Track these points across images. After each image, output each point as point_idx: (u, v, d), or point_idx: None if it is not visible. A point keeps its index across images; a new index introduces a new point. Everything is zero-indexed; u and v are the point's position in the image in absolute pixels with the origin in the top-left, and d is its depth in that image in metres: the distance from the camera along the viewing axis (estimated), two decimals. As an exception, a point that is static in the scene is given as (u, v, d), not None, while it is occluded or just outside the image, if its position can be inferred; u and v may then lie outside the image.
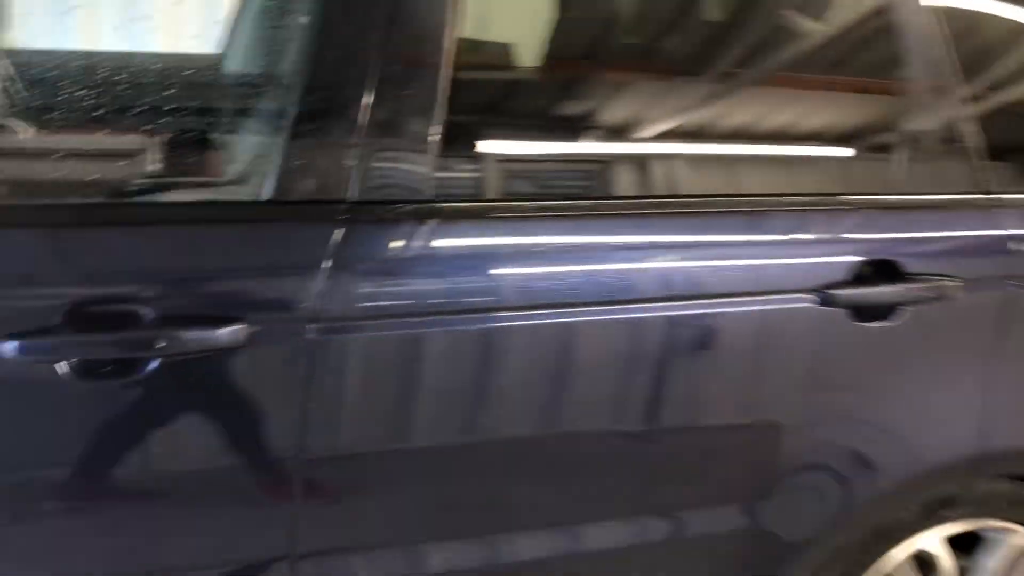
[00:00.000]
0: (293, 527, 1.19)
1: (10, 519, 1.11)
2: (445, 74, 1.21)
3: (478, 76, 1.35)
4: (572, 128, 1.37)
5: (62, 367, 1.05)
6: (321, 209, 1.16)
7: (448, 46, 1.21)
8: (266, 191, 1.15)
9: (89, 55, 1.50)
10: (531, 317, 1.22)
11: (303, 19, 1.20)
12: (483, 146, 1.32)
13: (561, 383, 1.26)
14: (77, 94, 1.29)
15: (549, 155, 1.38)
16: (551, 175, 1.38)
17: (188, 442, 1.14)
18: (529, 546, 1.31)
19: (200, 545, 1.18)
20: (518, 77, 1.47)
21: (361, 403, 1.19)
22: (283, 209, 1.16)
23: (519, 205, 1.27)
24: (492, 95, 1.40)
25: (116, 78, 1.34)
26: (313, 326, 1.13)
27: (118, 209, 1.18)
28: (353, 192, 1.17)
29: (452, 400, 1.22)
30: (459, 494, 1.27)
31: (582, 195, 1.35)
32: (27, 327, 1.04)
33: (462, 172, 1.28)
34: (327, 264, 1.14)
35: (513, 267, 1.25)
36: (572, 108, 1.41)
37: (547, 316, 1.23)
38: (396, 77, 1.19)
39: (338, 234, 1.16)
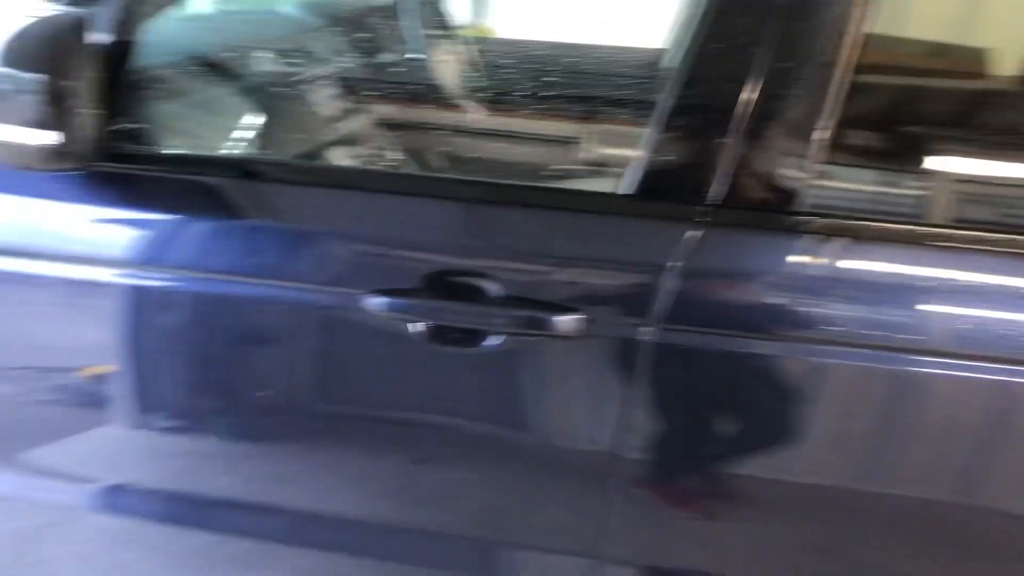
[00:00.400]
0: (604, 525, 1.16)
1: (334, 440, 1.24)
2: (843, 74, 1.07)
3: (887, 78, 1.17)
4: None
5: (417, 327, 1.14)
6: (679, 208, 1.11)
7: (851, 42, 1.07)
8: (627, 185, 1.13)
9: (552, 46, 1.59)
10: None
11: (695, 9, 1.15)
12: (883, 158, 1.15)
13: (990, 452, 1.06)
14: (524, 81, 1.38)
15: (984, 176, 1.16)
16: (990, 199, 1.16)
17: (508, 418, 1.17)
18: None
19: (506, 521, 1.21)
20: (947, 83, 1.26)
21: (686, 417, 1.12)
22: (639, 205, 1.12)
23: (926, 231, 1.09)
24: (905, 100, 1.21)
25: (563, 69, 1.41)
26: (649, 328, 1.09)
27: (509, 190, 1.24)
28: (717, 194, 1.10)
29: (819, 440, 1.09)
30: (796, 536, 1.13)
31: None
32: (395, 286, 1.14)
33: (850, 184, 1.13)
34: (677, 266, 1.08)
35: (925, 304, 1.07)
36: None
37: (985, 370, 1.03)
38: (786, 74, 1.08)
39: (694, 236, 1.09)
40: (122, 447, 1.27)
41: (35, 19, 1.04)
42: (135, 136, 1.23)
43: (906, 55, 1.28)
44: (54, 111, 1.03)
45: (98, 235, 1.19)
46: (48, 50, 1.02)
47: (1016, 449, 1.07)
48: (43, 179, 1.17)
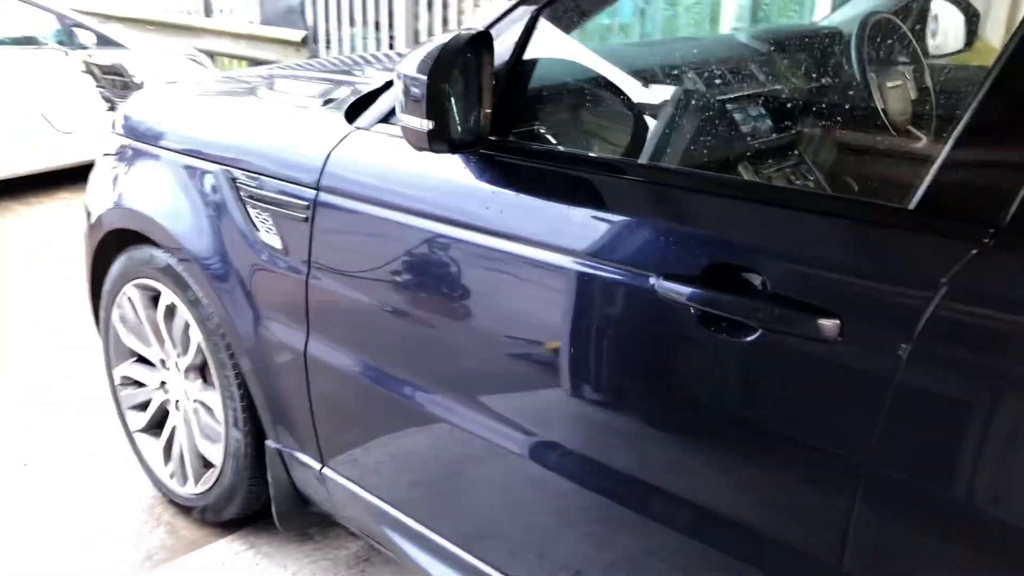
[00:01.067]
0: (845, 529, 1.15)
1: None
2: None
3: None
4: None
5: (692, 311, 1.25)
6: (962, 227, 1.06)
7: None
8: (915, 199, 1.11)
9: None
10: None
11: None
12: None
13: None
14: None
15: None
16: None
17: (760, 413, 1.22)
18: None
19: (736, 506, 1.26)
20: None
21: (939, 448, 1.06)
22: (920, 220, 1.09)
23: None
24: None
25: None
26: (907, 346, 1.06)
27: (810, 198, 1.28)
28: (1006, 216, 1.03)
29: None
30: None
31: None
32: (680, 272, 1.27)
33: None
34: (950, 286, 1.04)
35: None
36: None
37: None
38: None
39: (975, 258, 1.04)
40: (559, 411, 1.49)
41: (444, 37, 1.40)
42: (519, 132, 1.53)
43: None
44: (432, 106, 1.37)
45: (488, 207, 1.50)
46: (439, 60, 1.36)
47: None
48: (457, 161, 1.54)
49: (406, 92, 1.38)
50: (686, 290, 1.25)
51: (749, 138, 1.65)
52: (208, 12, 8.76)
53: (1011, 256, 1.03)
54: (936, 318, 1.05)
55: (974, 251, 1.04)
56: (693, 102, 1.74)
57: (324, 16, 7.79)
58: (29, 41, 5.59)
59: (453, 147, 1.44)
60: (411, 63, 1.38)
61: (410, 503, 1.83)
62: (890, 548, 1.14)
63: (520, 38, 1.53)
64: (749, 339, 1.20)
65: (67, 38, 5.70)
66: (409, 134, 1.42)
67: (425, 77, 1.35)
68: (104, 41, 5.85)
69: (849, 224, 1.18)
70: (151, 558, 2.33)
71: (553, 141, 1.62)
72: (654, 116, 1.71)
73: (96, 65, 5.23)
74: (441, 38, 1.41)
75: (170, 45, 6.73)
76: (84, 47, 5.59)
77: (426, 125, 1.37)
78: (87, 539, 2.39)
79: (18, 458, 2.76)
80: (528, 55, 1.55)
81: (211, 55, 7.57)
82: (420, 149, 1.43)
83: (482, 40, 1.46)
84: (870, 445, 1.11)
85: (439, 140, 1.40)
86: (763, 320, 1.19)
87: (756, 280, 1.20)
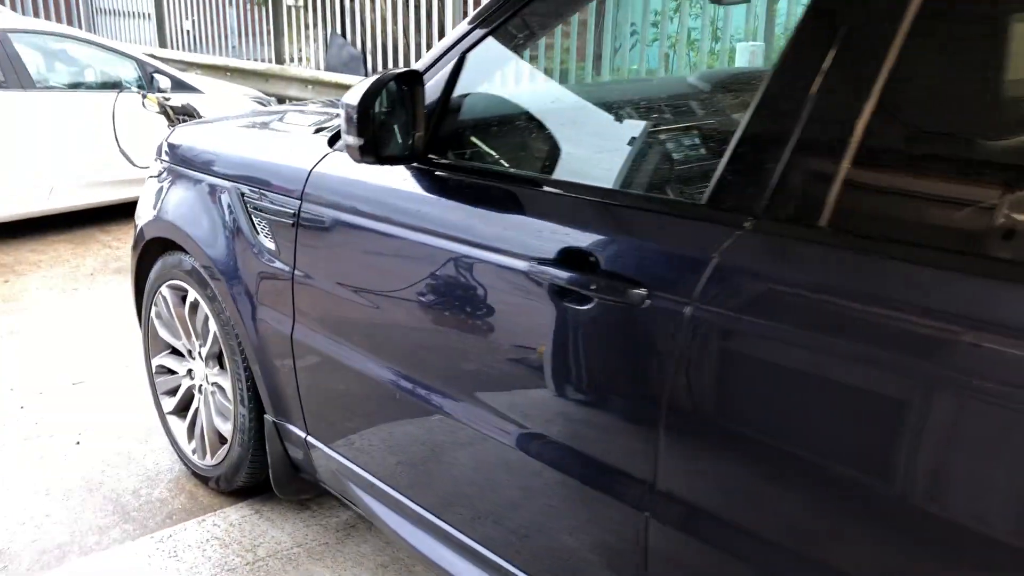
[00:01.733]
0: (654, 463, 1.46)
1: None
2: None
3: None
4: None
5: (552, 287, 1.59)
6: (731, 216, 1.38)
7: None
8: (705, 196, 1.44)
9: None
10: None
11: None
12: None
13: None
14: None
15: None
16: None
17: (597, 361, 1.57)
18: None
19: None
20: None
21: (711, 379, 1.38)
22: (706, 212, 1.42)
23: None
24: None
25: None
26: (690, 305, 1.39)
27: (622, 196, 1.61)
28: (760, 207, 1.35)
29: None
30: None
31: None
32: (546, 257, 1.61)
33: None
34: (719, 260, 1.36)
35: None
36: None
37: None
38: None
39: (736, 239, 1.36)
40: (473, 372, 1.82)
41: (377, 75, 1.78)
42: (443, 149, 1.90)
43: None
44: (361, 127, 1.75)
45: (423, 211, 1.87)
46: (367, 92, 1.75)
47: None
48: (394, 170, 1.92)
49: (346, 117, 1.77)
50: (549, 271, 1.60)
51: (610, 153, 1.98)
52: (279, 60, 9.46)
53: (761, 237, 1.35)
54: (707, 284, 1.37)
55: (737, 233, 1.36)
56: (568, 129, 2.09)
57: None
58: (114, 85, 6.23)
59: (380, 160, 1.82)
60: (351, 95, 1.77)
61: (374, 464, 2.18)
62: (689, 465, 1.45)
63: (450, 75, 1.91)
64: (587, 306, 1.54)
65: (147, 82, 6.34)
66: (348, 150, 1.81)
67: (356, 104, 1.74)
68: (180, 85, 6.47)
69: (659, 217, 1.51)
70: (171, 517, 2.73)
71: (476, 158, 1.98)
72: (546, 141, 2.07)
73: (170, 106, 5.81)
74: (375, 75, 1.79)
75: (241, 89, 7.35)
76: (161, 90, 6.20)
77: (357, 142, 1.76)
78: (125, 502, 2.80)
79: (73, 436, 3.22)
80: (458, 89, 1.93)
81: (280, 99, 8.20)
82: (356, 161, 1.82)
83: (414, 77, 1.84)
84: (668, 381, 1.43)
85: (368, 154, 1.78)
86: (595, 291, 1.52)
87: (594, 261, 1.54)
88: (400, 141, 1.83)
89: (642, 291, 1.45)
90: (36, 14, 12.33)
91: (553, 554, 1.74)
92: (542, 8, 1.87)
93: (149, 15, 11.53)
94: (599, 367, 1.58)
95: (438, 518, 2.01)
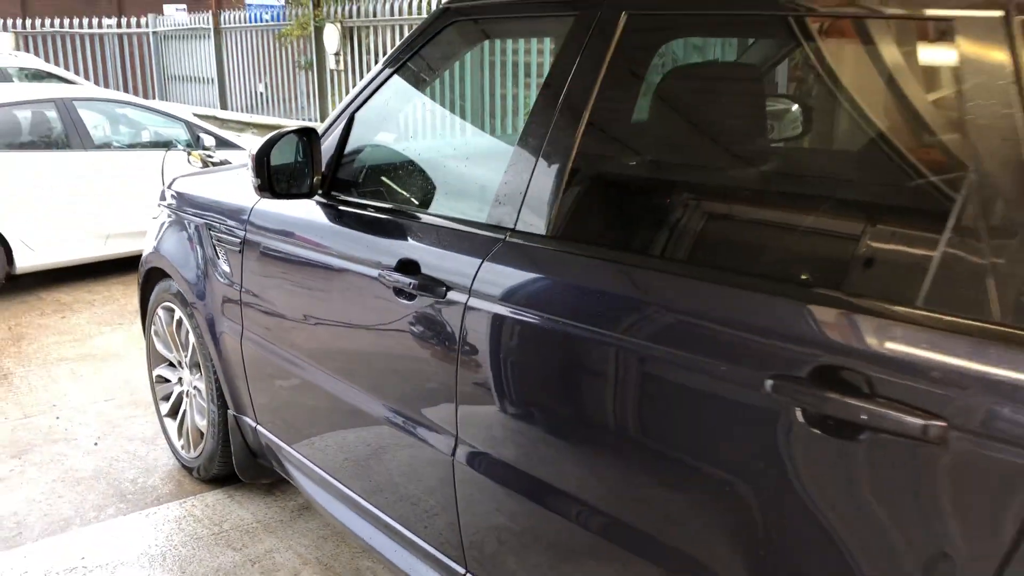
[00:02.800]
0: (455, 417, 1.94)
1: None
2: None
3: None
4: None
5: (392, 288, 2.09)
6: (499, 230, 1.86)
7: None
8: (485, 215, 1.93)
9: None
10: None
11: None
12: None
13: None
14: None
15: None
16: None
17: (419, 342, 2.04)
18: None
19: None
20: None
21: (485, 350, 1.85)
22: (483, 226, 1.92)
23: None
24: None
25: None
26: (468, 297, 1.87)
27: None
28: (513, 225, 1.83)
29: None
30: None
31: None
32: (391, 265, 2.11)
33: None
34: (485, 262, 1.85)
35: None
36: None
37: None
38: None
39: (497, 248, 1.85)
40: (363, 365, 2.30)
41: (280, 131, 2.33)
42: (341, 187, 2.43)
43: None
44: (258, 170, 2.29)
45: (328, 232, 2.39)
46: (264, 144, 2.29)
47: None
48: (303, 204, 2.45)
49: (250, 164, 2.32)
50: (392, 275, 2.09)
51: (435, 188, 2.48)
52: (324, 119, 10.26)
53: (510, 246, 1.83)
54: (477, 282, 1.84)
55: (498, 244, 1.84)
56: (418, 171, 2.59)
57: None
58: (164, 144, 7.01)
59: (274, 195, 2.35)
60: (253, 147, 2.31)
61: (302, 444, 2.69)
62: (477, 418, 1.92)
63: (343, 130, 2.44)
64: (413, 301, 2.03)
65: (193, 141, 7.10)
66: (254, 187, 2.35)
67: (255, 154, 2.28)
68: (222, 143, 7.22)
69: (457, 233, 2.00)
70: (158, 499, 3.27)
71: (365, 195, 2.51)
72: (403, 180, 2.57)
73: (212, 161, 6.53)
74: (273, 133, 2.34)
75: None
76: (205, 148, 6.95)
77: (256, 182, 2.30)
78: (124, 488, 3.36)
79: (93, 440, 3.81)
80: (350, 141, 2.46)
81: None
82: (259, 195, 2.36)
83: (311, 132, 2.38)
84: (458, 351, 1.91)
85: (264, 191, 2.32)
86: (417, 288, 2.01)
87: (419, 266, 2.03)
88: (301, 181, 2.37)
89: (444, 287, 1.94)
90: (121, 85, 13.55)
91: (398, 495, 2.22)
92: (399, 83, 2.39)
93: (212, 79, 12.55)
94: (419, 347, 2.06)
95: (334, 479, 2.49)
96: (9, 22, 14.76)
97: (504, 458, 1.85)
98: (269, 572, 2.82)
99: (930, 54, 1.38)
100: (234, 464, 3.11)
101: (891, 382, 1.22)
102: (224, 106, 12.33)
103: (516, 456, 1.83)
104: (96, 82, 14.13)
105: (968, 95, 1.23)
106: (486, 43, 2.12)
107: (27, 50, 14.06)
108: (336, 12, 9.83)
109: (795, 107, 2.08)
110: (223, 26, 12.17)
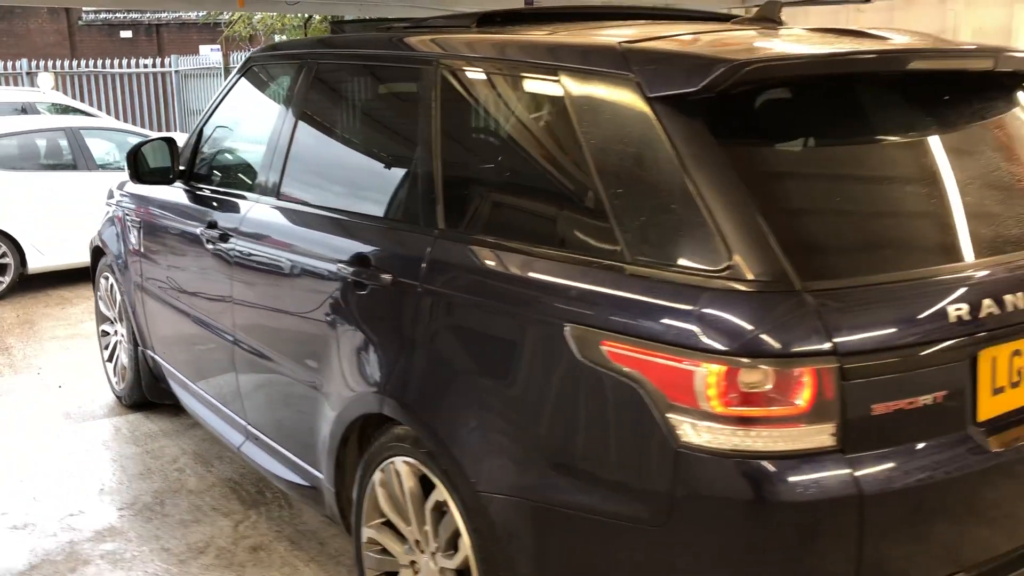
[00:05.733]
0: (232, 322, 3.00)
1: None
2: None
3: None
4: None
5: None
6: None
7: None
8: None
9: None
10: None
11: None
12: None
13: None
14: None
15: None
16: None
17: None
18: None
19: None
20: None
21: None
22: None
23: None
24: None
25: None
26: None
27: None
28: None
29: None
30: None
31: None
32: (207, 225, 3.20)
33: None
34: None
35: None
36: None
37: None
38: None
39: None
40: (232, 319, 3.48)
41: (147, 139, 3.44)
42: (198, 177, 3.53)
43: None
44: (130, 164, 3.41)
45: (186, 207, 3.49)
46: (135, 147, 3.40)
47: None
48: (166, 188, 3.56)
49: (126, 160, 3.45)
50: (206, 232, 3.17)
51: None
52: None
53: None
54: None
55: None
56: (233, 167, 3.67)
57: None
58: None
59: (141, 181, 3.48)
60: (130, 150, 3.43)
61: (170, 358, 3.77)
62: (241, 319, 2.99)
63: (196, 139, 3.55)
64: (213, 246, 3.10)
65: (182, 163, 8.34)
66: (129, 176, 3.47)
67: (128, 152, 3.40)
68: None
69: (242, 200, 3.07)
70: (95, 419, 4.38)
71: (211, 183, 3.60)
72: (227, 172, 3.65)
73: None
74: (142, 140, 3.46)
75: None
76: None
77: (129, 172, 3.42)
78: (74, 413, 4.48)
79: (65, 387, 4.94)
80: (201, 145, 3.56)
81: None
82: (132, 182, 3.49)
83: (171, 140, 3.49)
84: (232, 279, 2.97)
85: (133, 178, 3.45)
86: (217, 239, 3.08)
87: (217, 223, 3.11)
88: (164, 173, 3.48)
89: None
90: (148, 118, 15.05)
91: (214, 378, 3.30)
92: (228, 106, 3.49)
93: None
94: (213, 276, 3.13)
95: (210, 396, 3.56)
96: (52, 63, 16.45)
97: (248, 341, 2.93)
98: (157, 457, 3.91)
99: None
100: (144, 388, 4.20)
101: (381, 258, 2.28)
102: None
103: (248, 337, 2.92)
104: (127, 116, 15.74)
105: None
106: (268, 79, 3.20)
107: (69, 87, 15.71)
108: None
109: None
110: (232, 66, 13.57)
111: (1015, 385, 1.84)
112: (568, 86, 2.00)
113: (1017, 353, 1.84)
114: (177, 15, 22.34)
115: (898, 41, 2.12)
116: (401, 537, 2.37)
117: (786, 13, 5.37)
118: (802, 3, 5.09)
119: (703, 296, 1.65)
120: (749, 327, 1.60)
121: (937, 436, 1.71)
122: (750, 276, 1.63)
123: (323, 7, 6.33)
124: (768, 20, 2.31)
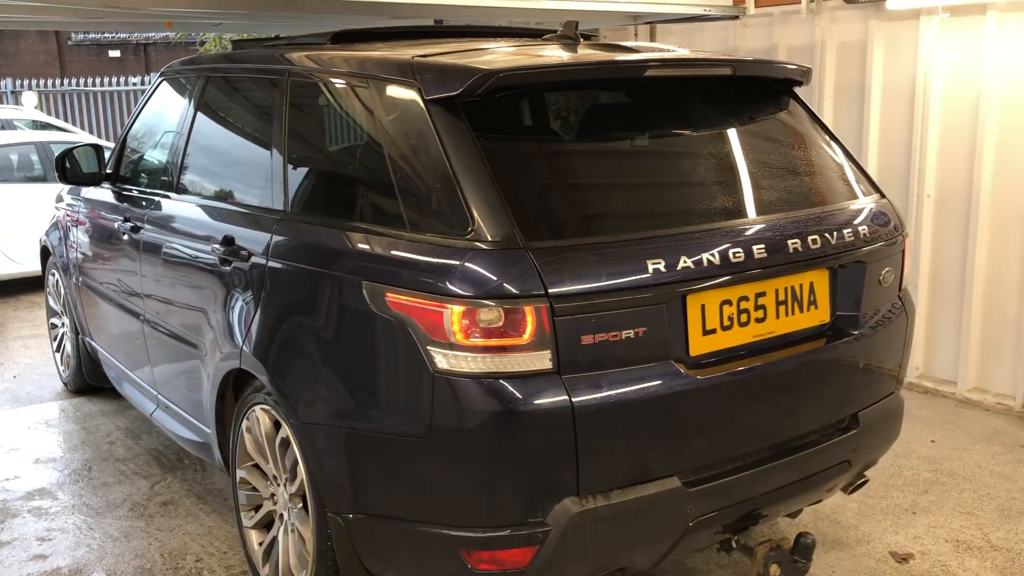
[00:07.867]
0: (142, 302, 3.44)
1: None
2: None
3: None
4: None
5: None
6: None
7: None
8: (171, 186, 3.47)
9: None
10: None
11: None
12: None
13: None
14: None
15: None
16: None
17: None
18: None
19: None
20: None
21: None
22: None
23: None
24: None
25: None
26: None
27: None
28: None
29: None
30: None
31: None
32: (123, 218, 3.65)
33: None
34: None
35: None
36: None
37: None
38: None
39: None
40: (143, 301, 3.93)
41: (73, 145, 3.89)
42: (122, 180, 3.98)
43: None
44: (58, 167, 3.86)
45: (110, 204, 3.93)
46: (61, 154, 3.85)
47: None
48: (93, 189, 4.01)
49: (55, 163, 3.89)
50: (123, 224, 3.62)
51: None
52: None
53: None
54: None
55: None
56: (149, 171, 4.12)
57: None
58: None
59: (67, 181, 3.94)
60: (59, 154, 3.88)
61: (104, 344, 4.20)
62: (148, 296, 3.44)
63: (120, 144, 4.00)
64: (126, 236, 3.54)
65: (148, 175, 8.81)
66: (58, 178, 3.92)
67: (56, 156, 3.84)
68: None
69: (153, 198, 3.52)
70: (42, 402, 4.82)
71: (130, 183, 4.05)
72: (144, 175, 4.09)
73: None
74: (72, 145, 3.91)
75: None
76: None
77: (58, 174, 3.87)
78: (23, 398, 4.91)
79: (20, 378, 5.37)
80: (125, 151, 4.01)
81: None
82: (61, 182, 3.93)
83: (98, 146, 3.94)
84: (140, 260, 3.42)
85: (61, 179, 3.90)
86: (130, 231, 3.52)
87: (129, 218, 3.56)
88: (92, 175, 3.93)
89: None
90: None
91: (130, 355, 3.74)
92: (147, 115, 3.95)
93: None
94: (129, 260, 3.58)
95: (130, 371, 4.00)
96: (40, 82, 17.00)
97: (153, 318, 3.38)
98: (93, 433, 4.34)
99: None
100: (84, 373, 4.64)
101: (242, 239, 2.73)
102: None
103: (153, 315, 3.36)
104: (114, 132, 16.29)
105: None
106: (178, 89, 3.67)
107: (59, 105, 16.35)
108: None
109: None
110: (210, 82, 14.10)
111: (726, 328, 2.29)
112: (375, 92, 2.46)
113: (727, 303, 2.28)
114: (164, 35, 22.90)
115: (651, 56, 2.60)
116: (264, 475, 2.80)
117: (682, 30, 5.83)
118: (675, 21, 5.56)
119: (453, 254, 2.10)
120: (484, 276, 2.04)
121: (642, 363, 2.15)
122: (488, 237, 2.08)
123: (249, 27, 6.75)
124: (567, 37, 2.76)
